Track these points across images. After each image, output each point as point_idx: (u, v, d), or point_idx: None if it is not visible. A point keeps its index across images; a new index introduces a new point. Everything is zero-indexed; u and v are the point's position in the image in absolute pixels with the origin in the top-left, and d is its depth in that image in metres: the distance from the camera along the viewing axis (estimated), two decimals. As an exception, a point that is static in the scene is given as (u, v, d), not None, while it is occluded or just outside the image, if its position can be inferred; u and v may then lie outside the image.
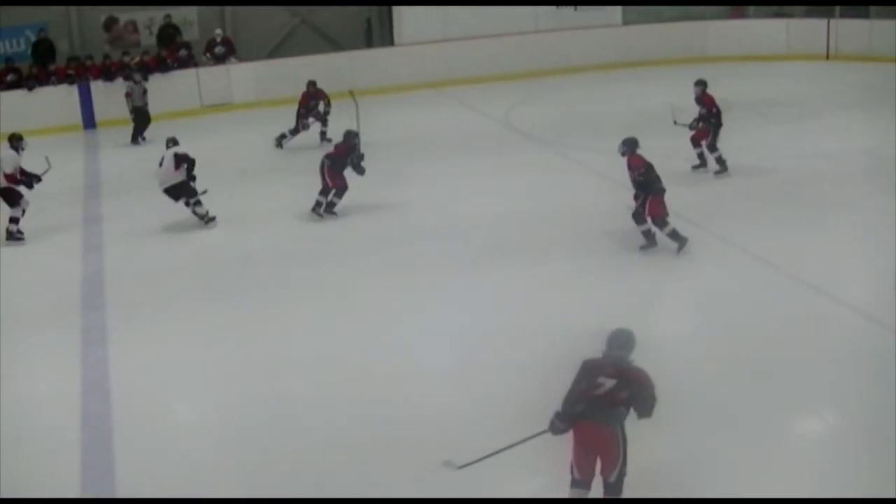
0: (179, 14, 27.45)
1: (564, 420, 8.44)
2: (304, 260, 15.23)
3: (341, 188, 17.03)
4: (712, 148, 18.30)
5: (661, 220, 14.73)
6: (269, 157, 21.30)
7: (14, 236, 16.48)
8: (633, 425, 8.40)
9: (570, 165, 19.67)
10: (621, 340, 8.63)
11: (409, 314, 13.22)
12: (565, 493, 8.60)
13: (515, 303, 13.39)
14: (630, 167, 15.11)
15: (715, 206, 16.71)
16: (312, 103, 21.84)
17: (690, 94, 18.96)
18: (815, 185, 17.39)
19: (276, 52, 28.86)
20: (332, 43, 29.33)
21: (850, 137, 20.68)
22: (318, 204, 17.05)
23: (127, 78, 23.77)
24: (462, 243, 15.62)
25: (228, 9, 28.37)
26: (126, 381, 11.64)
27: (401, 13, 28.58)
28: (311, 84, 22.02)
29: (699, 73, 21.12)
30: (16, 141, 16.63)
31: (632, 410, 8.41)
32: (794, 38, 29.66)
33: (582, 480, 8.48)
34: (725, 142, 18.10)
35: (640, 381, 8.40)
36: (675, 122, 18.19)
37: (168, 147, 17.17)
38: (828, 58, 29.20)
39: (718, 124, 18.19)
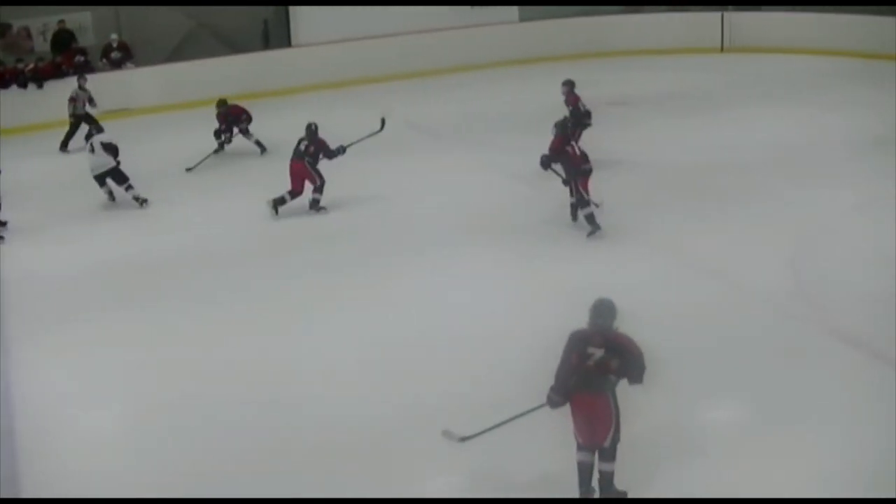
0: (74, 20, 27.02)
1: (559, 393, 8.91)
2: (218, 264, 15.15)
3: (322, 183, 17.27)
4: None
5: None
6: (173, 162, 21.10)
7: None
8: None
9: (473, 162, 19.73)
10: (604, 310, 9.02)
11: (327, 315, 13.22)
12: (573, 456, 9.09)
13: (425, 304, 13.49)
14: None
15: (618, 198, 16.86)
16: (231, 119, 21.50)
17: (590, 89, 19.24)
18: (716, 175, 17.63)
19: (174, 56, 28.56)
20: (230, 45, 29.11)
21: (748, 128, 21.00)
22: (282, 200, 17.18)
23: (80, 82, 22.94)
24: (368, 243, 15.65)
25: (124, 13, 27.97)
26: (30, 393, 11.52)
27: (298, 14, 28.43)
28: (222, 103, 21.56)
29: (597, 67, 21.44)
30: None
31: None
32: (688, 32, 30.00)
33: (586, 445, 8.97)
34: (624, 134, 18.28)
35: (628, 348, 8.88)
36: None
37: (93, 135, 18.22)
38: (722, 50, 29.60)
39: (585, 124, 18.27)
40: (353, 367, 11.89)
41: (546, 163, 15.75)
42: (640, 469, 9.47)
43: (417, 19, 28.53)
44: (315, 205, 17.29)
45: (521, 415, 9.34)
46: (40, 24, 27.09)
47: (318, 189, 17.31)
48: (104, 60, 26.03)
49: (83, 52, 25.98)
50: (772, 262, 14.03)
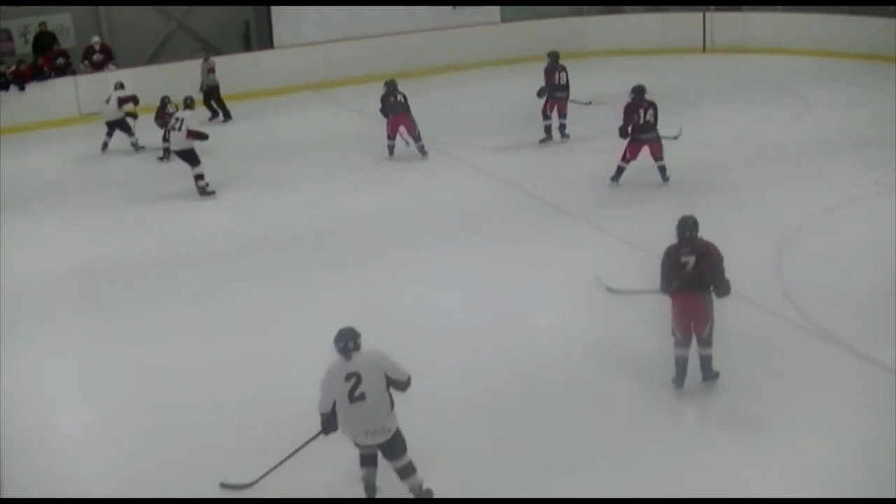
0: (55, 21, 26.96)
1: (666, 291, 10.70)
2: (184, 268, 15.09)
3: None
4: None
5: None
6: (153, 162, 21.07)
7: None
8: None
9: (452, 162, 19.74)
10: (689, 224, 10.73)
11: (290, 316, 13.21)
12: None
13: (404, 304, 13.49)
14: None
15: (598, 197, 16.91)
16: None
17: (572, 89, 19.37)
18: (695, 173, 17.64)
19: (154, 57, 28.52)
20: (211, 47, 29.04)
21: (727, 127, 21.05)
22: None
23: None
24: (348, 243, 15.64)
25: (104, 15, 27.91)
26: (10, 393, 11.46)
27: (279, 15, 28.39)
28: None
29: (579, 67, 21.45)
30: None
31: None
32: (670, 32, 30.07)
33: (682, 339, 10.73)
34: (605, 134, 18.27)
35: (713, 252, 10.63)
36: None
37: (115, 90, 21.12)
38: (704, 50, 29.67)
39: (559, 97, 19.20)
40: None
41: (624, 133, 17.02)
42: (633, 469, 9.53)
43: (399, 20, 28.51)
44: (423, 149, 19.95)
45: (649, 291, 11.28)
46: (21, 25, 27.00)
47: (419, 136, 19.93)
48: (85, 62, 25.93)
49: (64, 54, 25.90)
50: (753, 261, 14.03)
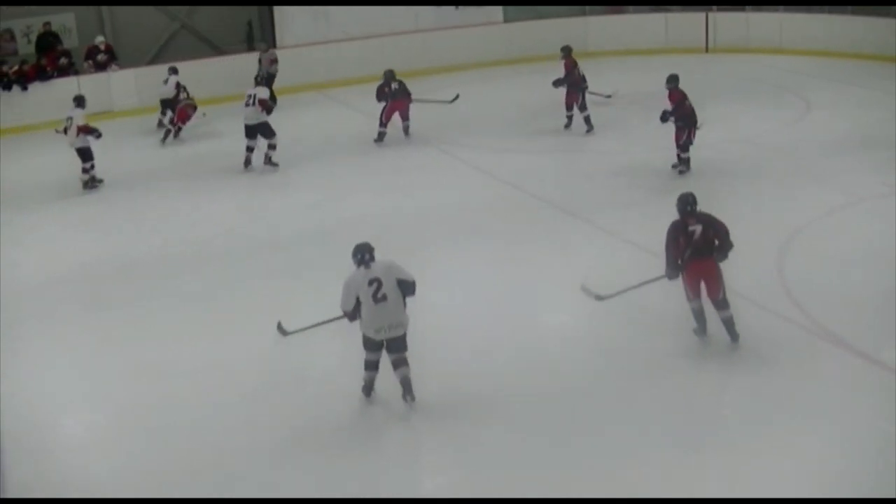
0: (58, 21, 26.91)
1: (672, 268, 11.51)
2: (187, 267, 15.07)
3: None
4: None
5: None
6: (156, 163, 21.07)
7: None
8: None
9: (454, 162, 19.74)
10: (690, 199, 11.51)
11: (291, 317, 13.16)
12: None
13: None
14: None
15: (599, 197, 16.91)
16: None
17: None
18: (697, 174, 17.64)
19: (157, 57, 28.48)
20: (214, 47, 29.06)
21: (730, 127, 21.01)
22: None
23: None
24: (350, 242, 15.59)
25: (107, 15, 27.88)
26: (12, 393, 11.45)
27: (282, 15, 28.38)
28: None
29: (581, 67, 21.39)
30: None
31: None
32: (672, 32, 30.05)
33: (695, 299, 11.60)
34: (607, 134, 18.29)
35: (717, 222, 11.46)
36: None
37: (170, 74, 22.37)
38: (706, 50, 29.65)
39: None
40: (332, 367, 11.92)
41: (665, 117, 17.73)
42: (632, 469, 9.52)
43: (400, 21, 28.48)
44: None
45: (646, 282, 11.92)
46: (24, 25, 26.97)
47: (407, 117, 21.62)
48: (88, 62, 25.90)
49: (67, 54, 25.89)
50: (756, 262, 14.02)
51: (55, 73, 25.22)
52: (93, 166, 19.38)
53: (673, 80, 18.03)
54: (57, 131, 20.12)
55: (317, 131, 23.09)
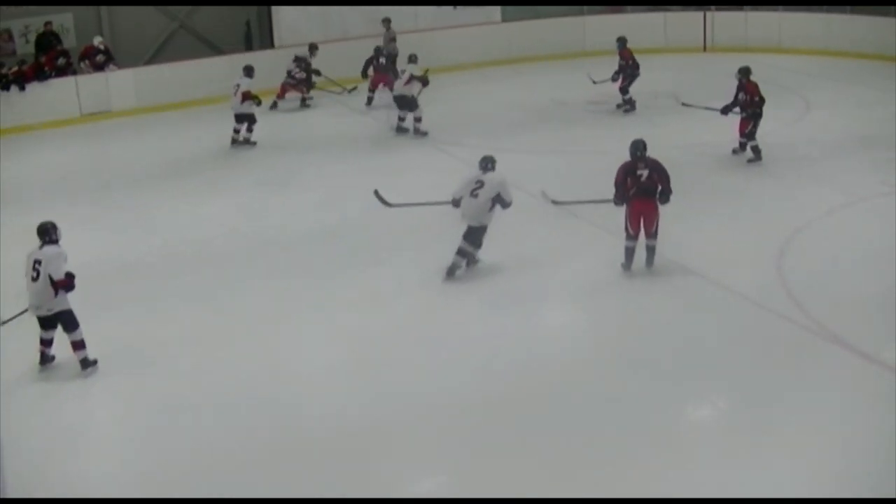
0: (56, 21, 26.83)
1: (621, 199, 13.62)
2: (188, 267, 15.04)
3: None
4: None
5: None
6: (156, 163, 21.04)
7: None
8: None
9: (454, 163, 19.68)
10: (641, 145, 13.51)
11: (294, 317, 13.19)
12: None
13: (400, 304, 13.49)
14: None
15: (599, 196, 16.87)
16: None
17: (571, 89, 19.28)
18: (699, 173, 17.64)
19: (155, 57, 28.47)
20: (212, 47, 29.05)
21: (729, 127, 20.98)
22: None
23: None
24: (347, 244, 15.62)
25: (105, 15, 27.88)
26: (14, 393, 11.48)
27: (280, 15, 28.36)
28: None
29: (580, 67, 21.44)
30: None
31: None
32: (671, 31, 30.07)
33: (633, 235, 13.67)
34: (606, 133, 18.28)
35: (662, 167, 13.48)
36: (594, 82, 19.81)
37: (244, 75, 21.89)
38: (705, 50, 29.67)
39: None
40: (331, 367, 11.95)
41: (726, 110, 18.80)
42: (632, 470, 9.52)
43: (398, 20, 28.42)
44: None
45: (596, 201, 14.49)
46: (21, 25, 26.96)
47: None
48: (85, 62, 25.85)
49: (65, 54, 25.84)
50: (756, 261, 14.06)
51: (53, 74, 25.17)
52: (249, 129, 21.66)
53: (745, 72, 18.70)
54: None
55: (316, 131, 23.08)
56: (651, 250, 13.76)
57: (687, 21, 30.00)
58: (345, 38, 28.19)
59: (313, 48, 25.60)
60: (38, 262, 11.96)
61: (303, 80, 25.39)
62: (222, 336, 12.71)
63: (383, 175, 19.03)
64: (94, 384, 11.84)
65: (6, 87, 23.97)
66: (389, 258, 14.90)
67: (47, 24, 26.38)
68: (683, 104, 18.79)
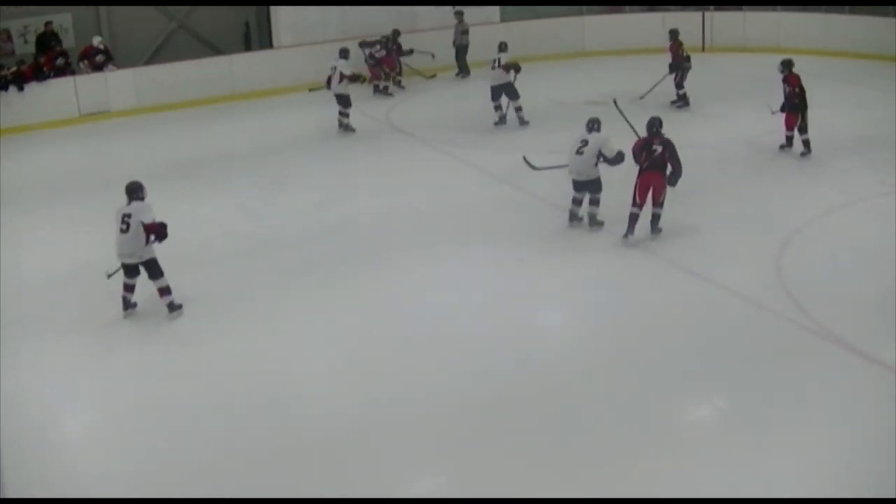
0: (55, 21, 26.83)
1: (637, 162, 14.83)
2: (186, 268, 15.00)
3: None
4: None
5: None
6: (155, 164, 21.00)
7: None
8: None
9: (454, 163, 19.73)
10: (657, 122, 14.83)
11: (294, 317, 13.20)
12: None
13: (403, 304, 13.50)
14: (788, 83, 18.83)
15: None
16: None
17: (571, 89, 19.30)
18: (697, 174, 17.60)
19: (154, 57, 28.46)
20: (211, 47, 29.04)
21: (728, 127, 21.08)
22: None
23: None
24: (350, 242, 15.63)
25: (104, 15, 27.86)
26: (13, 394, 11.46)
27: (279, 16, 28.31)
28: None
29: (578, 67, 21.45)
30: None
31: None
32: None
33: (640, 204, 14.81)
34: (609, 132, 18.22)
35: (674, 147, 14.71)
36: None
37: (339, 57, 22.63)
38: (703, 50, 29.61)
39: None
40: (332, 367, 12.00)
41: (784, 107, 18.87)
42: (632, 470, 9.54)
43: (397, 20, 28.41)
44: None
45: (556, 167, 16.01)
46: (20, 25, 26.93)
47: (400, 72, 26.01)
48: (84, 62, 25.82)
49: (65, 54, 25.80)
50: (755, 261, 14.09)
51: (52, 74, 25.14)
52: (348, 115, 22.42)
53: (787, 65, 18.90)
54: (311, 90, 24.17)
55: (316, 131, 23.06)
56: (656, 217, 14.97)
57: (685, 21, 29.88)
58: (344, 38, 28.12)
59: (397, 33, 26.92)
60: (126, 215, 13.24)
61: (380, 62, 26.39)
62: (222, 336, 12.74)
63: (381, 175, 19.07)
64: (93, 384, 11.86)
65: (5, 88, 23.93)
66: (387, 259, 14.89)
67: (47, 24, 26.32)
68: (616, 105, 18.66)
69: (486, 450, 9.96)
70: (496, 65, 22.10)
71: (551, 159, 16.53)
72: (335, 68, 22.21)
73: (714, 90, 24.42)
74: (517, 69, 21.97)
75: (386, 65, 26.41)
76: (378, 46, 26.41)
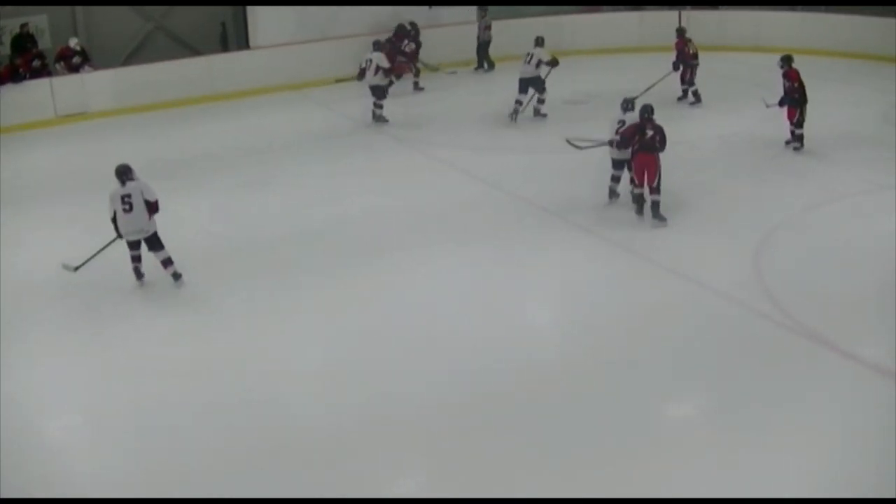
0: (30, 22, 26.67)
1: (624, 146, 15.85)
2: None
3: None
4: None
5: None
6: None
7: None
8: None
9: (433, 163, 19.71)
10: (649, 109, 15.63)
11: (277, 318, 13.17)
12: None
13: (386, 305, 13.49)
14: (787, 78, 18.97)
15: (576, 196, 16.92)
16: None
17: (549, 87, 19.39)
18: (677, 172, 17.61)
19: (131, 58, 28.33)
20: (188, 47, 28.93)
21: (707, 125, 21.13)
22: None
23: None
24: (329, 244, 15.60)
25: (81, 16, 27.70)
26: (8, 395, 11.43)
27: (256, 16, 28.20)
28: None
29: (558, 66, 21.42)
30: None
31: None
32: (647, 30, 30.09)
33: (639, 184, 15.70)
34: (583, 132, 18.24)
35: (663, 131, 15.58)
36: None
37: (374, 49, 23.21)
38: (681, 48, 29.70)
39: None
40: (320, 367, 12.03)
41: (783, 102, 19.11)
42: (634, 471, 9.57)
43: (376, 20, 28.37)
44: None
45: (594, 145, 16.85)
46: (-4, 27, 26.77)
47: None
48: (61, 64, 25.68)
49: (42, 56, 25.66)
50: (734, 259, 14.11)
51: (28, 75, 25.00)
52: (382, 106, 22.85)
53: (787, 60, 19.07)
54: (338, 81, 25.84)
55: (293, 132, 23.01)
56: (656, 204, 15.59)
57: (663, 20, 29.99)
58: (322, 39, 28.10)
59: (415, 26, 27.41)
60: (126, 195, 13.92)
61: (412, 55, 26.78)
62: (208, 337, 12.74)
63: (363, 176, 19.06)
64: (85, 387, 11.83)
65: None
66: (369, 260, 14.87)
67: (23, 26, 26.15)
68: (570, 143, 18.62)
69: (471, 449, 9.97)
70: (530, 59, 22.27)
71: (584, 139, 17.26)
72: (370, 60, 22.58)
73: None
74: (554, 64, 22.21)
75: (410, 59, 26.69)
76: (407, 41, 26.79)
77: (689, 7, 29.82)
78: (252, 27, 28.24)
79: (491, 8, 29.95)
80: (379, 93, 22.78)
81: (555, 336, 12.69)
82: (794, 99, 18.78)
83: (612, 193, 16.64)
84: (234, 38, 29.58)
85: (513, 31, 29.16)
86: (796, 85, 18.75)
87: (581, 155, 17.16)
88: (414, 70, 26.55)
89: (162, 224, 14.79)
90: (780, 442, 9.87)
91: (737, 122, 21.18)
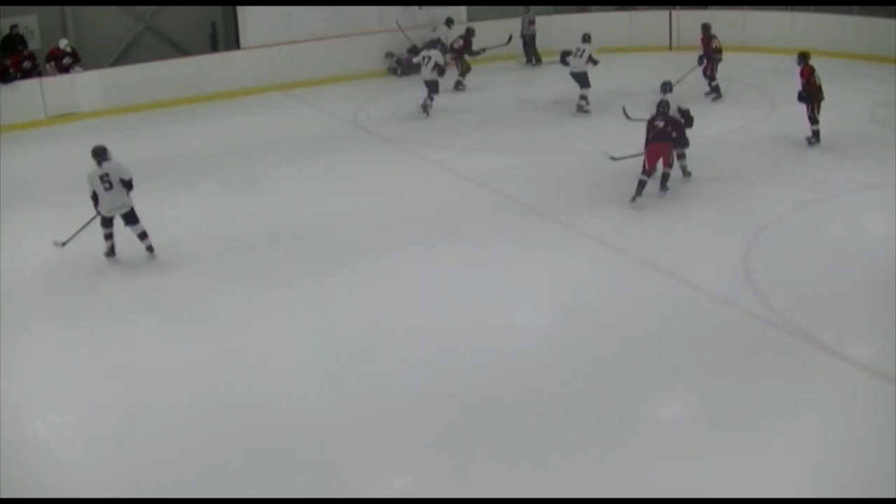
0: (20, 23, 26.67)
1: (648, 132, 16.47)
2: (154, 270, 14.99)
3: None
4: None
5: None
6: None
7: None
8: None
9: (421, 163, 19.73)
10: (665, 104, 16.61)
11: (264, 318, 13.18)
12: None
13: (375, 304, 13.48)
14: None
15: (563, 195, 16.94)
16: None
17: (537, 87, 19.40)
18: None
19: (121, 59, 28.32)
20: (178, 48, 28.93)
21: (696, 125, 21.06)
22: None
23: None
24: (317, 244, 15.61)
25: (70, 16, 27.69)
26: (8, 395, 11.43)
27: (245, 16, 28.23)
28: None
29: (545, 65, 21.49)
30: None
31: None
32: (636, 30, 30.16)
33: (648, 172, 16.36)
34: (571, 132, 18.31)
35: (678, 122, 16.64)
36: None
37: (431, 48, 24.90)
38: (671, 48, 29.75)
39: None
40: (304, 367, 12.02)
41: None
42: (602, 468, 9.57)
43: (365, 20, 28.42)
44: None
45: (636, 154, 16.73)
46: (-15, 27, 26.75)
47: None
48: (50, 64, 25.68)
49: (31, 56, 25.65)
50: (723, 259, 14.13)
51: (18, 76, 25.00)
52: (431, 97, 23.53)
53: (804, 57, 19.25)
54: (390, 69, 28.10)
55: (283, 132, 23.03)
56: (665, 176, 16.70)
57: (652, 20, 30.10)
58: (310, 39, 28.12)
59: (450, 22, 28.40)
60: (105, 175, 14.98)
61: (462, 50, 27.24)
62: (197, 337, 12.71)
63: (352, 175, 19.06)
64: (74, 386, 11.80)
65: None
66: (357, 259, 14.88)
67: (13, 27, 26.13)
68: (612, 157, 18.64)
69: (459, 448, 9.95)
70: (579, 54, 22.81)
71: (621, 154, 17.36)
72: (429, 58, 23.43)
73: (680, 88, 24.43)
74: (596, 62, 22.80)
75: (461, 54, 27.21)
76: (459, 38, 27.32)
77: (678, 7, 29.88)
78: (242, 28, 28.27)
79: (476, 7, 30.05)
80: (434, 87, 23.44)
81: (543, 335, 12.67)
82: (802, 96, 19.10)
83: (642, 186, 16.55)
84: (224, 39, 29.61)
85: (499, 30, 29.20)
86: (804, 82, 18.97)
87: (574, 155, 17.21)
88: (461, 67, 26.83)
89: (150, 224, 14.84)
90: (770, 441, 9.85)
91: (724, 122, 21.24)
